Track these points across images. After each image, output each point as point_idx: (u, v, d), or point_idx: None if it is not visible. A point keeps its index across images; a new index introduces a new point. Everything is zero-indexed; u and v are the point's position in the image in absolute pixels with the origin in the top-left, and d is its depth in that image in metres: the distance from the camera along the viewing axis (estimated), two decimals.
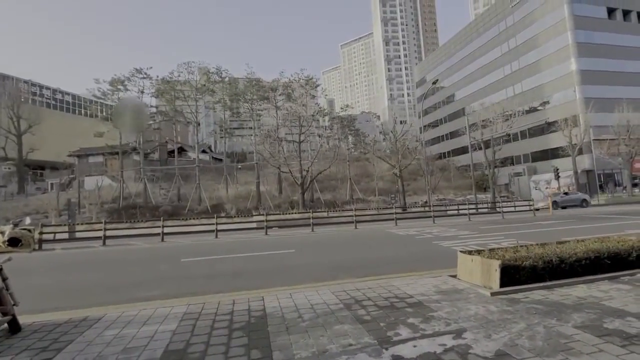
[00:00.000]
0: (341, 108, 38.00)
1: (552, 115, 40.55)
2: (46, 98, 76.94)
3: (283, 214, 22.37)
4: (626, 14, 44.27)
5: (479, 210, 24.22)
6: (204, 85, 33.92)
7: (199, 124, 35.93)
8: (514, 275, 4.90)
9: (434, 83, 32.80)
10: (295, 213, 22.27)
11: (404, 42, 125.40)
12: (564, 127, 33.97)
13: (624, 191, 36.05)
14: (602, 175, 39.28)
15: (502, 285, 4.75)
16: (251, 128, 37.55)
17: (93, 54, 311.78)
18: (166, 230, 14.69)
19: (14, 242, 3.94)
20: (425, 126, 62.48)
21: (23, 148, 40.78)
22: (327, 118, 39.57)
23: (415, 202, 32.47)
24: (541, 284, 4.83)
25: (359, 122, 49.74)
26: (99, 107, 50.80)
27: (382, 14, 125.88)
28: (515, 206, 24.23)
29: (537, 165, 43.89)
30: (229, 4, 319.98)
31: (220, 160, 43.36)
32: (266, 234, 15.13)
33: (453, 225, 15.91)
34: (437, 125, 67.72)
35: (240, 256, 9.49)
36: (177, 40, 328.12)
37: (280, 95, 34.01)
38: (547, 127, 41.69)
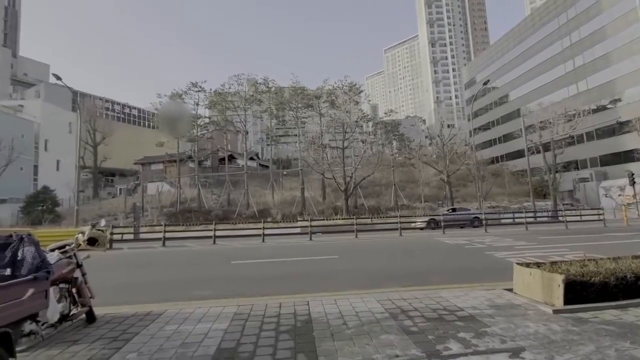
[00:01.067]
0: (385, 113, 37.47)
1: (625, 113, 36.09)
2: (117, 112, 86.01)
3: (327, 219, 22.51)
4: None
5: (538, 219, 22.27)
6: (252, 95, 35.59)
7: (247, 133, 37.69)
8: (581, 292, 4.45)
9: (484, 84, 30.99)
10: (339, 219, 22.29)
11: (451, 43, 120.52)
12: (639, 126, 30.05)
13: None
14: None
15: (566, 302, 4.33)
16: (296, 135, 38.48)
17: (155, 71, 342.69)
18: (217, 233, 15.56)
19: (92, 241, 4.47)
20: (475, 129, 59.13)
21: (97, 157, 45.97)
22: (370, 123, 39.24)
23: None
24: (613, 303, 4.33)
25: (403, 126, 48.57)
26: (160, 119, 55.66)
27: (428, 15, 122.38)
28: (581, 215, 21.87)
29: (608, 170, 39.27)
30: (272, 17, 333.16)
31: (267, 166, 44.99)
32: (310, 239, 15.34)
33: (508, 235, 14.82)
34: (489, 128, 63.72)
35: (286, 260, 9.73)
36: (226, 51, 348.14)
37: (324, 102, 34.49)
38: (619, 127, 37.15)
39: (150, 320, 4.40)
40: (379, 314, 4.37)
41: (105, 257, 11.34)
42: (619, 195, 31.14)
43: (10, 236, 3.49)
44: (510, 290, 5.20)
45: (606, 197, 33.38)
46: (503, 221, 22.15)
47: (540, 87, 50.30)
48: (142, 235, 18.17)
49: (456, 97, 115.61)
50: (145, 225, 21.07)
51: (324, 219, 22.74)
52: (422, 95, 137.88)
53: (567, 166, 40.94)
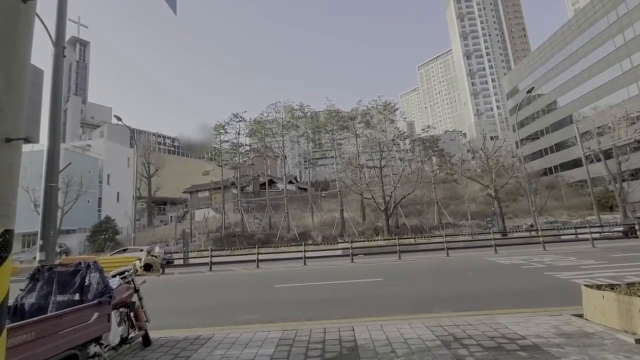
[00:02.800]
0: (422, 129, 36.68)
1: None
2: (167, 145, 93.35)
3: (368, 240, 22.01)
4: None
5: (605, 234, 19.97)
6: (289, 121, 36.91)
7: (285, 157, 38.83)
8: None
9: (529, 91, 29.29)
10: (380, 240, 21.69)
11: (487, 54, 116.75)
12: None
13: None
14: None
15: None
16: (333, 157, 38.89)
17: (203, 103, 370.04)
18: (260, 257, 15.84)
19: (147, 267, 4.77)
20: (522, 139, 55.59)
21: (151, 188, 49.79)
22: (407, 141, 38.59)
23: (518, 226, 28.46)
24: None
25: (442, 142, 47.08)
26: (206, 150, 59.47)
27: (461, 28, 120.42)
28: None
29: None
30: (304, 38, 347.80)
31: (305, 189, 45.66)
32: (352, 261, 15.04)
33: (571, 253, 13.41)
34: (537, 138, 59.58)
35: (328, 284, 9.60)
36: (260, 75, 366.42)
37: (359, 123, 34.72)
38: None
39: (199, 344, 4.53)
40: (430, 341, 4.11)
41: (159, 281, 11.98)
42: None
43: (80, 263, 3.84)
44: (580, 316, 4.65)
45: None
46: (564, 237, 20.14)
47: (594, 90, 46.54)
48: (191, 260, 19.03)
49: (497, 107, 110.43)
50: (194, 250, 22.09)
51: (364, 240, 22.26)
52: (460, 109, 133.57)
53: (636, 174, 36.76)
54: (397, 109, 35.04)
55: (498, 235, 19.09)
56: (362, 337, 4.44)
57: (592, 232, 16.92)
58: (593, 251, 13.80)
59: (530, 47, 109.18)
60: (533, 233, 19.63)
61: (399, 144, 36.68)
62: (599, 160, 28.33)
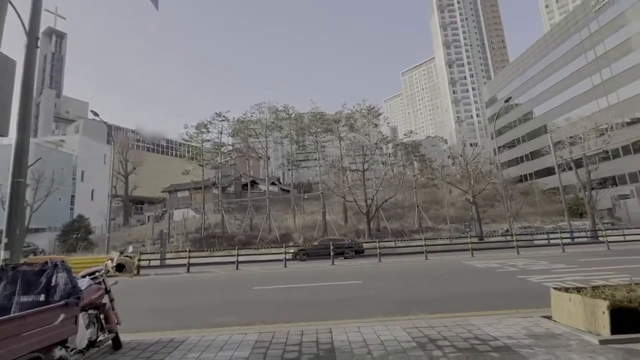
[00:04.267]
0: (405, 134, 37.31)
1: None
2: (146, 143, 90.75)
3: None
4: None
5: (576, 239, 20.90)
6: (273, 122, 36.72)
7: (269, 158, 38.58)
8: (630, 319, 4.06)
9: (506, 101, 30.39)
10: (362, 243, 21.87)
11: (469, 63, 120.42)
12: None
13: None
14: None
15: (613, 331, 3.96)
16: (316, 159, 38.96)
17: (182, 103, 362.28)
18: (240, 258, 15.61)
19: (120, 267, 4.60)
20: (500, 147, 57.51)
21: (128, 186, 48.24)
22: (390, 145, 39.20)
23: (494, 231, 29.38)
24: None
25: (424, 147, 48.05)
26: (186, 149, 58.14)
27: (444, 37, 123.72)
28: (624, 235, 20.33)
29: None
30: (288, 41, 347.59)
31: (288, 191, 45.48)
32: (333, 263, 15.07)
33: (543, 257, 13.94)
34: (514, 146, 61.81)
35: (307, 286, 9.57)
36: (245, 77, 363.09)
37: (343, 126, 34.96)
38: None
39: (173, 347, 4.40)
40: (406, 342, 4.16)
41: (132, 282, 11.59)
42: None
43: (46, 263, 3.66)
44: (549, 317, 4.83)
45: None
46: (536, 242, 20.92)
47: (567, 102, 48.79)
48: (168, 262, 18.53)
49: (477, 115, 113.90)
50: (171, 252, 21.53)
51: None
52: (442, 116, 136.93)
53: (604, 183, 38.69)
54: (380, 114, 35.53)
55: (475, 240, 19.63)
56: (339, 339, 4.44)
57: (562, 238, 17.67)
58: (563, 255, 14.39)
59: (509, 58, 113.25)
60: (508, 238, 20.29)
61: (382, 148, 37.15)
62: (570, 168, 29.67)
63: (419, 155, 37.75)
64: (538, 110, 55.83)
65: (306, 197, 39.86)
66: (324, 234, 29.03)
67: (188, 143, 45.07)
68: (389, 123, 39.58)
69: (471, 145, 37.38)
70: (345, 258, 17.93)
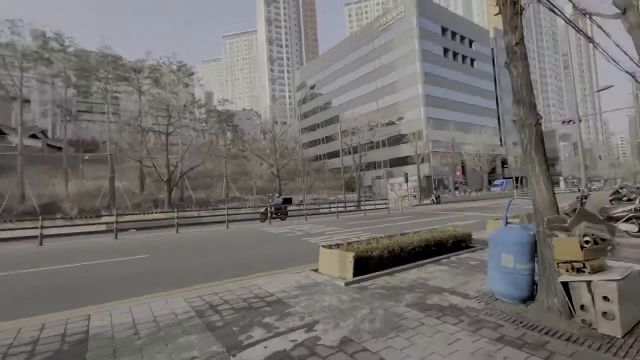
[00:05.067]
0: (219, 101, 35.88)
1: (404, 129, 48.72)
2: None
3: (144, 214, 19.47)
4: (455, 55, 57.09)
5: (347, 208, 26.78)
6: (36, 52, 26.50)
7: (26, 101, 27.80)
8: (366, 264, 5.38)
9: (311, 88, 34.63)
10: (159, 212, 19.72)
11: (287, 45, 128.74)
12: (412, 139, 41.02)
13: (450, 193, 46.26)
14: (436, 180, 49.38)
15: (355, 274, 5.13)
16: (104, 112, 31.45)
17: None
18: None
19: None
20: (304, 129, 65.69)
21: None
22: (203, 110, 36.77)
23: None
24: (386, 271, 5.46)
25: (239, 118, 48.21)
26: None
27: (267, 13, 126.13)
28: (375, 205, 27.82)
29: (393, 170, 51.95)
30: None
31: (59, 148, 34.77)
32: (116, 237, 12.75)
33: (323, 223, 16.99)
34: (315, 129, 72.14)
35: (73, 266, 7.62)
36: None
37: (145, 78, 29.57)
38: (400, 139, 49.78)
39: None
40: (183, 314, 3.90)
41: None
42: (399, 190, 41.58)
43: None
44: (316, 270, 5.77)
45: (392, 190, 43.91)
46: (322, 211, 25.38)
47: (355, 99, 60.95)
48: None
49: (289, 97, 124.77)
50: None
51: (140, 213, 19.58)
52: (259, 90, 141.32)
53: (369, 166, 51.41)
54: (193, 73, 32.48)
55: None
56: (98, 324, 3.66)
57: (338, 207, 22.22)
58: (337, 221, 18.07)
59: (319, 50, 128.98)
60: (301, 207, 23.58)
61: (193, 112, 34.29)
62: (350, 153, 37.47)
63: (232, 126, 37.46)
64: (335, 102, 67.00)
65: (87, 157, 31.60)
66: (110, 204, 24.24)
67: None
68: (202, 85, 36.75)
69: (282, 123, 40.53)
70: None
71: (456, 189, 48.34)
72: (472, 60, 60.08)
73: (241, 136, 38.43)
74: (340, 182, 38.20)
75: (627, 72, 9.06)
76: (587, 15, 11.24)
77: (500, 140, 62.35)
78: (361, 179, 38.05)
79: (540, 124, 4.01)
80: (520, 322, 3.34)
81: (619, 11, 9.41)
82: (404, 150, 49.23)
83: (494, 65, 64.26)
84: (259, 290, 4.76)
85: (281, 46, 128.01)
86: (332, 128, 62.52)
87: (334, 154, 60.71)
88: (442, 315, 3.59)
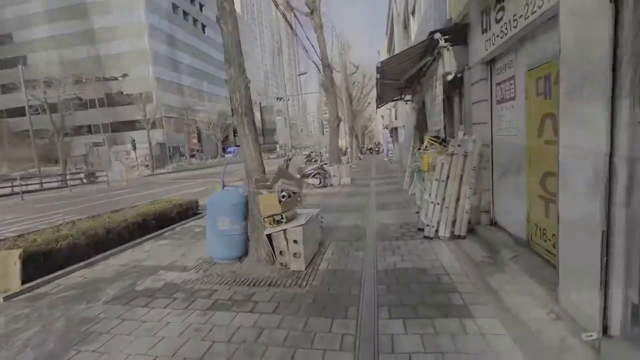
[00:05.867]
0: None
1: (129, 88, 41.76)
2: None
3: None
4: (186, 15, 53.78)
5: (45, 186, 19.91)
6: None
7: None
8: (49, 261, 3.85)
9: None
10: None
11: None
12: (139, 101, 35.59)
13: (186, 160, 45.22)
14: (171, 148, 46.55)
15: (30, 279, 3.54)
16: None
17: None
18: None
19: None
20: None
21: None
22: None
23: None
24: (84, 262, 4.16)
25: None
26: None
27: None
28: (89, 178, 22.43)
29: (117, 136, 43.85)
30: None
31: None
32: None
33: None
34: None
35: None
36: None
37: None
38: (124, 99, 42.15)
39: None
40: None
41: None
42: (126, 159, 35.72)
43: None
44: None
45: (117, 160, 37.03)
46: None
47: (53, 37, 44.62)
48: None
49: None
50: None
51: None
52: None
53: (79, 130, 40.55)
54: None
55: None
56: None
57: (27, 185, 15.92)
58: (21, 204, 12.90)
59: None
60: None
61: None
62: (45, 111, 27.49)
63: None
64: (18, 35, 46.46)
65: None
66: None
67: None
68: None
69: None
70: None
71: (192, 156, 48.17)
72: (204, 27, 59.41)
73: None
74: (31, 150, 27.86)
75: (312, 61, 11.64)
76: (292, 10, 13.48)
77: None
78: (69, 147, 29.54)
79: (249, 88, 4.12)
80: (234, 281, 3.39)
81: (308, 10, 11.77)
82: (130, 113, 42.32)
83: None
84: None
85: None
86: (11, 73, 43.55)
87: (19, 112, 43.05)
88: (151, 301, 3.04)
